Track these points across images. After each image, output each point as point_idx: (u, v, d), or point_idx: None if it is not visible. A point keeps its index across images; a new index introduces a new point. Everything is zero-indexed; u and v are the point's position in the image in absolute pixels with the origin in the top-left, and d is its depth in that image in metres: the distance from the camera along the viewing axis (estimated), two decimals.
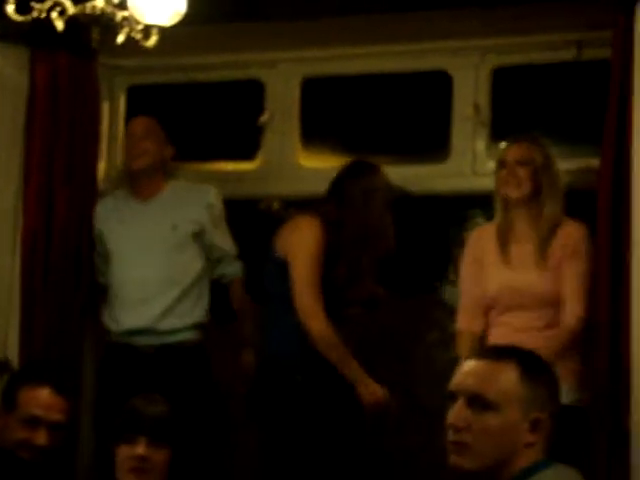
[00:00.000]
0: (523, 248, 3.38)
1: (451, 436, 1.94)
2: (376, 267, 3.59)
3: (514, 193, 3.38)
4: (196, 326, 3.84)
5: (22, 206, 4.02)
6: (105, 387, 3.87)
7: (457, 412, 1.94)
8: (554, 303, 3.33)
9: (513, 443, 1.92)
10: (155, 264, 3.82)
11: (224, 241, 3.88)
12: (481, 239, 3.48)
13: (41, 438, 2.72)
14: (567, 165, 3.81)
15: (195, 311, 3.82)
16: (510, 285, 3.34)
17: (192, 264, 3.84)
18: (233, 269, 3.91)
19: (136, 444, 2.68)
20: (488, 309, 3.42)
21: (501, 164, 3.43)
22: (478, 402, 1.93)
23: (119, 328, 3.84)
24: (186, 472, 2.88)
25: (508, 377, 1.93)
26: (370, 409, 3.42)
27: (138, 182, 3.95)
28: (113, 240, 3.94)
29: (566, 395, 3.23)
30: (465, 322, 3.45)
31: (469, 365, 1.98)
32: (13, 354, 3.95)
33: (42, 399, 2.76)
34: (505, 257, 3.39)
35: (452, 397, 1.97)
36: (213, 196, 3.89)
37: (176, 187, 3.95)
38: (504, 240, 3.40)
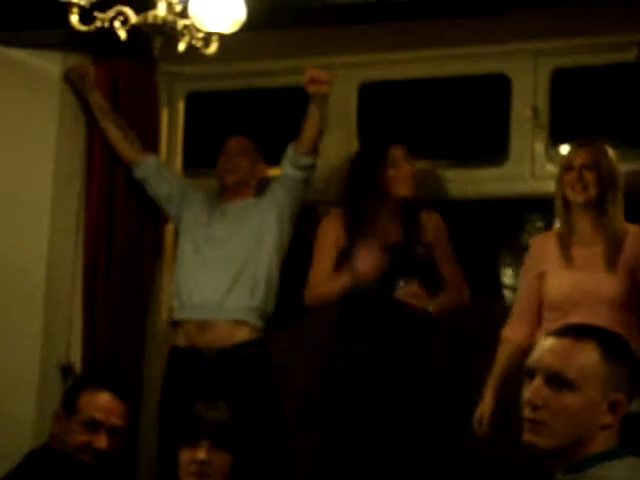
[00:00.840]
0: (590, 251, 3.35)
1: (528, 413, 1.91)
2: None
3: (580, 197, 3.36)
4: (260, 314, 3.84)
5: (84, 213, 4.08)
6: (169, 391, 3.90)
7: (535, 389, 1.91)
8: (621, 306, 3.30)
9: (590, 424, 1.89)
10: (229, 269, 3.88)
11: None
12: (542, 247, 3.45)
13: (101, 442, 2.77)
14: (627, 167, 3.79)
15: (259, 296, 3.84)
16: (577, 285, 3.32)
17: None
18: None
19: (198, 448, 2.71)
20: (541, 318, 3.40)
21: (567, 167, 3.40)
22: (557, 380, 1.91)
23: (183, 314, 3.89)
24: (247, 477, 2.90)
25: (589, 356, 1.91)
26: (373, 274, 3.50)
27: (228, 195, 4.03)
28: (185, 235, 4.00)
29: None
30: (511, 330, 3.44)
31: (549, 342, 1.96)
32: (76, 359, 4.02)
33: (102, 403, 2.80)
34: (568, 260, 3.36)
35: (530, 374, 1.95)
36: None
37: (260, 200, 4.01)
38: (566, 244, 3.38)
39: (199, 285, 3.87)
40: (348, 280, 3.60)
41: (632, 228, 3.37)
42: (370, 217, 3.67)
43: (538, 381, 1.92)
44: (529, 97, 3.93)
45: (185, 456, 2.75)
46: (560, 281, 3.36)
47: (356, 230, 3.67)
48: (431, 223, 3.72)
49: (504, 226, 4.00)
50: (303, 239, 4.05)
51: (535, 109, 3.91)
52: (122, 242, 4.09)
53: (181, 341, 3.89)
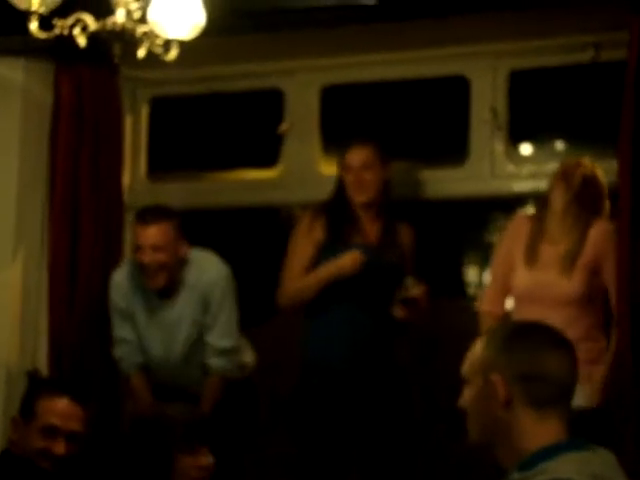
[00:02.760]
0: (555, 249, 3.42)
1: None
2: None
3: (562, 197, 3.43)
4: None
5: (48, 219, 4.08)
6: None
7: (463, 394, 1.98)
8: (578, 306, 3.37)
9: (491, 415, 1.90)
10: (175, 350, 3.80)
11: (219, 330, 3.73)
12: (518, 229, 3.52)
13: (59, 448, 2.75)
14: None
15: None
16: (535, 284, 3.39)
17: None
18: (220, 363, 3.73)
19: (199, 454, 2.72)
20: (516, 303, 3.49)
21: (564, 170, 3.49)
22: (465, 377, 1.98)
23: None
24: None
25: (477, 348, 1.95)
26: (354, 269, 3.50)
27: (149, 275, 3.70)
28: (142, 326, 3.83)
29: (590, 398, 3.30)
30: (488, 303, 3.51)
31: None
32: (42, 365, 4.02)
33: (60, 409, 2.78)
34: (533, 258, 3.43)
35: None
36: (224, 283, 3.73)
37: (192, 278, 3.72)
38: (536, 239, 3.44)
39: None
40: (328, 274, 3.57)
41: (596, 225, 3.43)
42: (347, 219, 3.68)
43: (465, 385, 1.97)
44: (488, 98, 3.97)
45: (185, 463, 2.74)
46: (521, 278, 3.44)
47: (334, 227, 3.67)
48: (405, 234, 3.73)
49: (466, 226, 4.04)
50: (269, 240, 4.08)
51: (494, 110, 3.95)
52: (87, 247, 4.10)
53: None
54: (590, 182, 3.43)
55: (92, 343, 4.06)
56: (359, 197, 3.66)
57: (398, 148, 4.17)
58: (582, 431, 3.11)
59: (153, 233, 3.62)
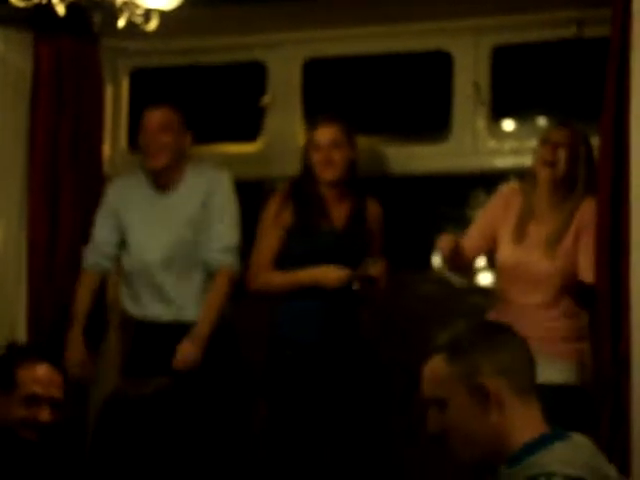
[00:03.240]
0: (542, 229, 3.42)
1: (436, 443, 1.94)
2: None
3: (548, 173, 3.40)
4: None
5: (27, 190, 4.05)
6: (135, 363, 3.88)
7: (429, 419, 1.94)
8: (561, 286, 3.36)
9: (478, 423, 1.88)
10: (168, 254, 3.78)
11: (225, 230, 3.77)
12: (509, 199, 3.51)
13: (44, 415, 2.74)
14: None
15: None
16: (518, 262, 3.40)
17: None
18: (224, 258, 3.75)
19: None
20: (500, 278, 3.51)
21: (545, 142, 3.44)
22: (434, 403, 1.93)
23: (138, 313, 3.85)
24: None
25: (437, 368, 1.93)
26: (337, 285, 3.51)
27: (158, 175, 3.84)
28: (126, 221, 3.86)
29: (569, 375, 3.32)
30: (467, 240, 3.53)
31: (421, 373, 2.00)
32: (21, 337, 4.00)
33: (41, 376, 2.76)
34: (519, 236, 3.43)
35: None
36: (227, 185, 3.81)
37: (195, 175, 3.82)
38: (524, 217, 3.44)
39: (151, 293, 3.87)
40: (307, 280, 3.57)
41: (583, 204, 3.40)
42: (314, 201, 3.66)
43: (429, 409, 1.94)
44: (470, 74, 3.97)
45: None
46: (506, 254, 3.45)
47: (302, 212, 3.66)
48: (373, 211, 3.72)
49: (447, 202, 4.03)
50: (251, 216, 4.06)
51: (476, 85, 3.94)
52: (67, 219, 4.08)
53: None
54: (575, 158, 3.41)
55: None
56: (327, 175, 3.64)
57: (380, 123, 4.17)
58: (560, 407, 3.17)
59: (158, 114, 3.78)
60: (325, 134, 3.65)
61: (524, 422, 1.89)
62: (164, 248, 3.79)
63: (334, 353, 3.58)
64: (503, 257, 3.46)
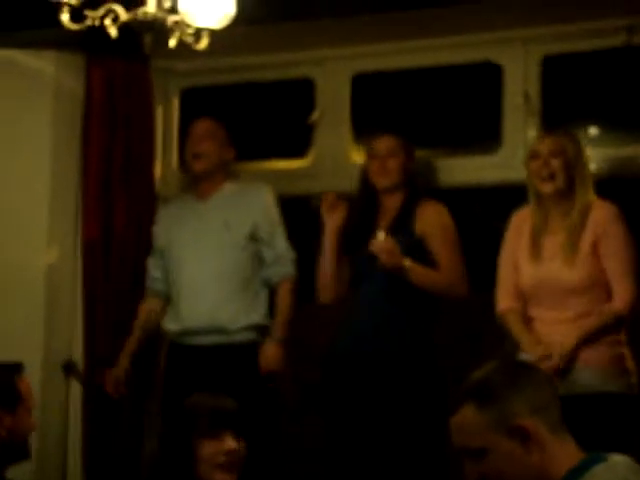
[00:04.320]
0: (556, 239, 3.33)
1: None
2: None
3: (548, 187, 3.33)
4: (253, 327, 3.83)
5: (81, 210, 4.10)
6: (167, 386, 3.92)
7: (466, 469, 1.91)
8: (587, 292, 3.28)
9: (523, 466, 1.86)
10: (207, 262, 3.83)
11: (277, 242, 3.86)
12: (521, 222, 3.43)
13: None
14: (618, 152, 3.82)
15: (251, 313, 3.81)
16: (540, 278, 3.31)
17: (245, 264, 3.84)
18: (283, 270, 3.85)
19: (224, 439, 2.70)
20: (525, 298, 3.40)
21: (533, 156, 3.38)
22: (469, 454, 1.90)
23: (176, 328, 3.88)
24: (256, 464, 2.91)
25: (467, 417, 1.89)
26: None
27: (198, 183, 3.98)
28: (168, 238, 3.94)
29: (614, 382, 3.24)
30: (507, 302, 3.40)
31: (450, 424, 1.96)
32: (78, 356, 4.05)
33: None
34: (535, 251, 3.34)
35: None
36: (268, 196, 3.90)
37: (233, 187, 3.96)
38: (538, 233, 3.36)
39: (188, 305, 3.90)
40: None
41: (595, 206, 3.33)
42: (368, 207, 3.70)
43: (466, 461, 1.91)
44: (520, 84, 3.94)
45: (209, 449, 2.71)
46: (526, 273, 3.36)
47: (357, 221, 3.69)
48: (424, 213, 3.65)
49: (498, 214, 4.00)
50: (300, 231, 4.07)
51: (527, 96, 3.92)
52: (120, 238, 4.12)
53: None
54: (569, 163, 3.32)
55: (125, 333, 4.08)
56: (382, 182, 3.68)
57: (430, 136, 4.15)
58: (605, 415, 3.12)
59: (203, 123, 3.97)
60: (382, 144, 3.70)
61: (563, 455, 1.88)
62: (210, 265, 3.83)
63: (389, 365, 3.55)
64: (524, 278, 3.36)
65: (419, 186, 3.73)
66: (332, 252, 3.68)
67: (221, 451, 2.67)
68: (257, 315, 3.82)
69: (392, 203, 3.70)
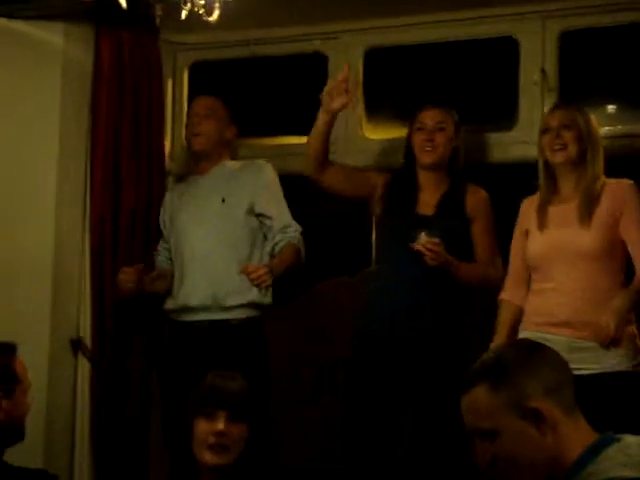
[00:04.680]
0: (566, 207, 3.33)
1: (487, 473, 1.88)
2: None
3: (560, 157, 3.33)
4: (253, 305, 3.79)
5: (90, 184, 4.05)
6: (168, 363, 3.89)
7: (477, 449, 1.88)
8: (599, 258, 3.26)
9: (537, 446, 1.84)
10: (206, 238, 3.81)
11: (282, 216, 3.82)
12: (528, 207, 3.44)
13: None
14: (635, 129, 3.76)
15: (249, 290, 3.74)
16: (551, 244, 3.30)
17: (245, 240, 3.80)
18: (288, 236, 3.80)
19: (216, 419, 2.66)
20: (532, 271, 3.39)
21: (545, 129, 3.38)
22: (481, 434, 1.87)
23: (175, 305, 3.85)
24: (259, 448, 2.86)
25: (479, 398, 1.87)
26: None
27: (198, 161, 3.96)
28: (170, 217, 3.96)
29: (624, 361, 3.21)
30: (508, 293, 3.44)
31: (461, 404, 1.93)
32: (86, 333, 4.01)
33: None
34: (544, 220, 3.34)
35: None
36: (268, 172, 3.87)
37: (233, 164, 3.94)
38: (545, 204, 3.36)
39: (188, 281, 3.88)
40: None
41: (609, 182, 3.34)
42: (410, 188, 3.62)
43: (477, 441, 1.88)
44: (538, 60, 3.89)
45: (202, 427, 2.67)
46: (535, 242, 3.35)
47: (390, 199, 3.64)
48: (475, 197, 3.63)
49: (514, 191, 3.94)
50: (313, 207, 4.02)
51: (544, 72, 3.86)
52: (129, 215, 4.06)
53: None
54: (579, 134, 3.32)
55: (134, 312, 4.04)
56: (426, 159, 3.60)
57: None
58: (618, 394, 3.09)
59: (204, 101, 3.95)
60: (431, 116, 3.62)
61: (576, 436, 1.86)
62: (211, 232, 3.81)
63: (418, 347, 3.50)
64: (532, 246, 3.36)
65: (462, 165, 3.66)
66: (323, 125, 3.63)
67: (211, 431, 2.64)
68: (255, 292, 3.75)
69: (433, 180, 3.63)
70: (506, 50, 3.93)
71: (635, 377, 3.22)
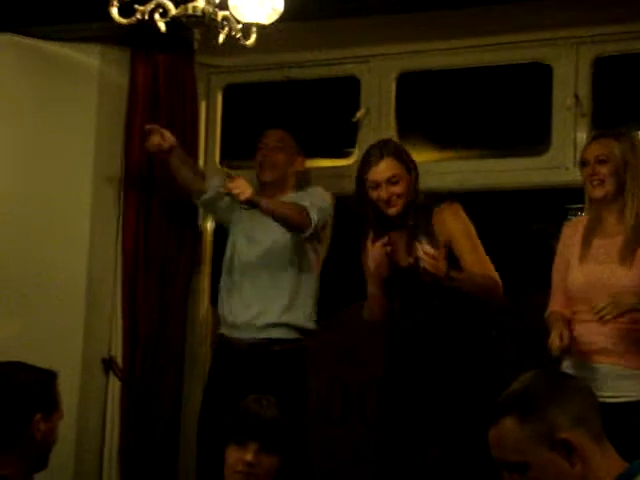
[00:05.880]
0: (610, 242, 3.29)
1: None
2: None
3: (597, 193, 3.30)
4: (296, 328, 3.81)
5: (123, 209, 4.07)
6: (211, 384, 3.91)
7: None
8: (637, 295, 3.18)
9: (570, 477, 1.82)
10: (258, 259, 3.85)
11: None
12: (571, 232, 3.41)
13: None
14: None
15: (296, 314, 3.79)
16: (591, 278, 3.26)
17: (293, 261, 3.83)
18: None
19: (247, 449, 2.64)
20: (572, 301, 3.35)
21: (583, 163, 3.35)
22: (510, 468, 1.86)
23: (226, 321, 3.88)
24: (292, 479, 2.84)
25: (509, 431, 1.85)
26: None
27: (266, 190, 3.94)
28: (232, 241, 3.99)
29: None
30: (554, 307, 3.37)
31: (489, 437, 1.92)
32: (117, 352, 4.03)
33: None
34: (587, 253, 3.30)
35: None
36: (315, 189, 3.91)
37: (293, 194, 3.93)
38: (589, 235, 3.32)
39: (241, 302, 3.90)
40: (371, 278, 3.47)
41: None
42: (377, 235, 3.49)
43: (505, 474, 1.87)
44: (571, 85, 3.88)
45: (232, 455, 2.66)
46: (576, 274, 3.31)
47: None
48: (440, 220, 3.44)
49: (547, 216, 3.94)
50: (344, 230, 4.03)
51: (577, 97, 3.86)
52: (160, 234, 4.09)
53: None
54: (617, 168, 3.25)
55: (166, 332, 4.06)
56: (389, 211, 3.46)
57: (478, 136, 4.10)
58: None
59: (275, 134, 4.00)
60: (379, 169, 3.44)
61: (606, 465, 1.85)
62: (260, 249, 3.85)
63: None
64: (572, 278, 3.31)
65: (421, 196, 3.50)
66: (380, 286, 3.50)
67: (241, 460, 2.63)
68: (301, 317, 3.80)
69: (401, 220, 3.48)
70: (539, 75, 3.93)
71: None
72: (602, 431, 1.88)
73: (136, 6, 3.12)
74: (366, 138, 4.18)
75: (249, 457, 2.62)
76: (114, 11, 3.10)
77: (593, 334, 3.24)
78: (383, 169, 3.44)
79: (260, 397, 2.76)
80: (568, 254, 3.37)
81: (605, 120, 3.86)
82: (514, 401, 1.88)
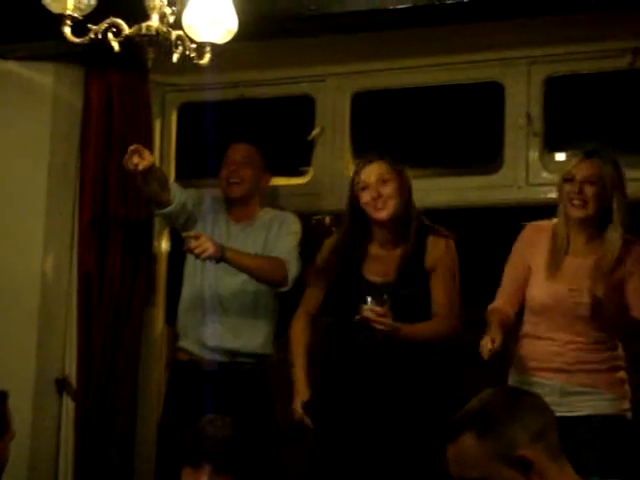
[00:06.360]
0: (581, 262, 3.28)
1: None
2: None
3: (579, 213, 3.26)
4: (257, 355, 3.83)
5: (78, 227, 4.06)
6: (169, 404, 3.88)
7: None
8: (596, 322, 3.23)
9: None
10: (230, 284, 3.82)
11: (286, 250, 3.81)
12: (535, 237, 3.37)
13: None
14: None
15: (258, 338, 3.82)
16: (557, 297, 3.25)
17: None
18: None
19: (200, 471, 2.63)
20: (525, 319, 3.36)
21: (567, 179, 3.28)
22: None
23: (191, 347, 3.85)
24: None
25: (468, 447, 1.86)
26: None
27: (232, 206, 3.93)
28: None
29: (611, 405, 3.24)
30: (498, 303, 3.35)
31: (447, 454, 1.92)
32: (71, 372, 4.00)
33: None
34: (555, 270, 3.28)
35: None
36: (291, 224, 3.89)
37: (263, 215, 3.93)
38: (559, 253, 3.29)
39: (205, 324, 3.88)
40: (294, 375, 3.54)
41: (629, 240, 3.28)
42: (361, 242, 3.52)
43: None
44: (523, 104, 3.92)
45: (187, 477, 2.64)
46: (542, 289, 3.29)
47: (349, 266, 3.51)
48: (435, 249, 3.48)
49: (499, 234, 3.97)
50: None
51: (529, 116, 3.90)
52: (116, 253, 4.07)
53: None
54: (603, 192, 3.23)
55: (120, 352, 4.04)
56: (378, 214, 3.47)
57: (430, 155, 4.13)
58: (606, 438, 3.10)
59: (242, 148, 3.95)
60: (373, 170, 3.48)
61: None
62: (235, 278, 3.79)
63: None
64: (537, 293, 3.29)
65: (417, 213, 3.52)
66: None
67: None
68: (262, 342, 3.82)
69: (387, 238, 3.50)
70: (492, 94, 3.97)
71: (621, 421, 3.24)
72: (560, 447, 1.89)
73: (89, 25, 3.10)
74: (321, 157, 4.21)
75: (204, 479, 2.60)
76: (67, 30, 3.08)
77: (548, 354, 3.26)
78: (374, 168, 3.48)
79: (215, 418, 2.75)
80: (530, 259, 3.34)
81: (557, 140, 3.90)
82: (473, 418, 1.88)
